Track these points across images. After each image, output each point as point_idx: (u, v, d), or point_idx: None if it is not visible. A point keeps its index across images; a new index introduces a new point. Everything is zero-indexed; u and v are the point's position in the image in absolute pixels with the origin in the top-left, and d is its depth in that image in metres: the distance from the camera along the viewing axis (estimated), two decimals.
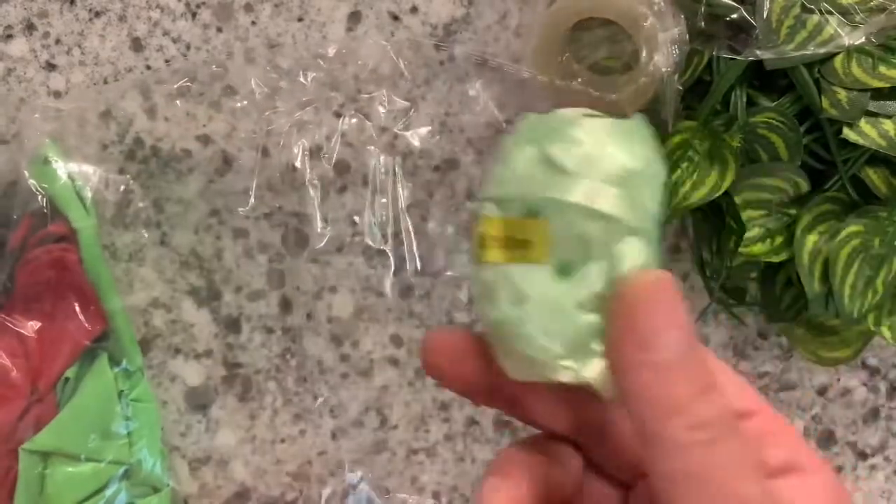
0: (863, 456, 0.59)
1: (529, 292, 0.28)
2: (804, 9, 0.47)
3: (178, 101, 0.50)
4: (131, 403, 0.47)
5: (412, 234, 0.51)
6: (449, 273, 0.52)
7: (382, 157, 0.51)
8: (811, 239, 0.48)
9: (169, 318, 0.51)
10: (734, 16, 0.47)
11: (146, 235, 0.50)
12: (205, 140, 0.50)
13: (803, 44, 0.47)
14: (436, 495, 0.54)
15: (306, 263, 0.51)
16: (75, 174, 0.47)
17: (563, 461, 0.32)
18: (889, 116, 0.47)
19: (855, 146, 0.47)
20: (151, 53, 0.50)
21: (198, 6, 0.50)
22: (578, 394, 0.31)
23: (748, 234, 0.48)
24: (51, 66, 0.49)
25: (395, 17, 0.51)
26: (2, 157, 0.47)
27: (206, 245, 0.51)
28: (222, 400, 0.52)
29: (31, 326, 0.45)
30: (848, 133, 0.47)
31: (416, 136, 0.52)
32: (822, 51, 0.47)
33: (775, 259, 0.48)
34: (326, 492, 0.52)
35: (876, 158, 0.48)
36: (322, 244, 0.51)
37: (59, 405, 0.45)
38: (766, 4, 0.47)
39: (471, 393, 0.31)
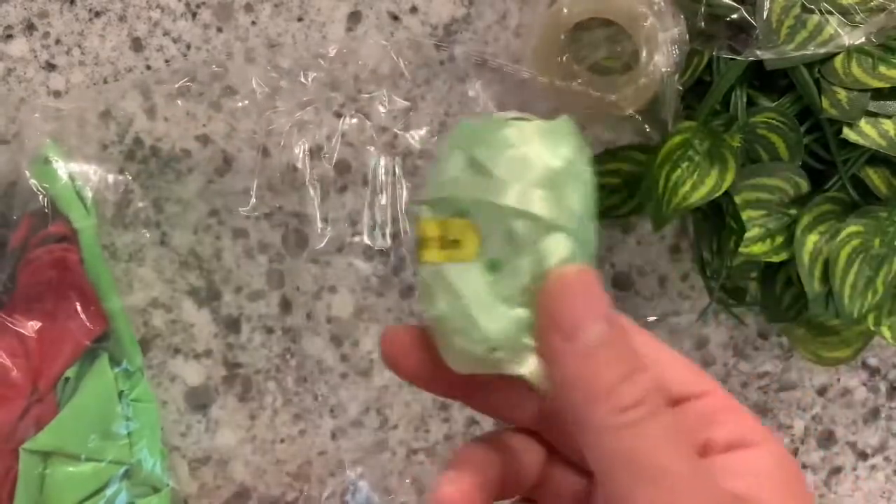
0: (863, 456, 0.59)
1: (462, 289, 0.29)
2: (804, 9, 0.47)
3: (177, 101, 0.50)
4: (131, 403, 0.47)
5: (412, 234, 0.51)
6: None
7: (382, 158, 0.51)
8: (811, 239, 0.48)
9: (169, 318, 0.51)
10: (734, 16, 0.47)
11: (146, 235, 0.50)
12: (204, 140, 0.50)
13: (803, 44, 0.47)
14: None
15: (306, 263, 0.51)
16: (75, 174, 0.47)
17: (522, 452, 0.34)
18: (889, 116, 0.47)
19: (855, 146, 0.47)
20: (151, 53, 0.50)
21: (198, 6, 0.50)
22: (525, 384, 0.32)
23: (748, 234, 0.48)
24: (51, 66, 0.49)
25: (395, 17, 0.51)
26: (2, 158, 0.47)
27: (206, 245, 0.51)
28: (222, 400, 0.52)
29: (31, 326, 0.45)
30: (848, 133, 0.47)
31: (416, 136, 0.52)
32: (822, 51, 0.47)
33: (775, 259, 0.48)
34: (326, 492, 0.52)
35: (876, 158, 0.48)
36: (322, 244, 0.51)
37: (60, 405, 0.45)
38: (766, 4, 0.47)
39: (424, 384, 0.33)
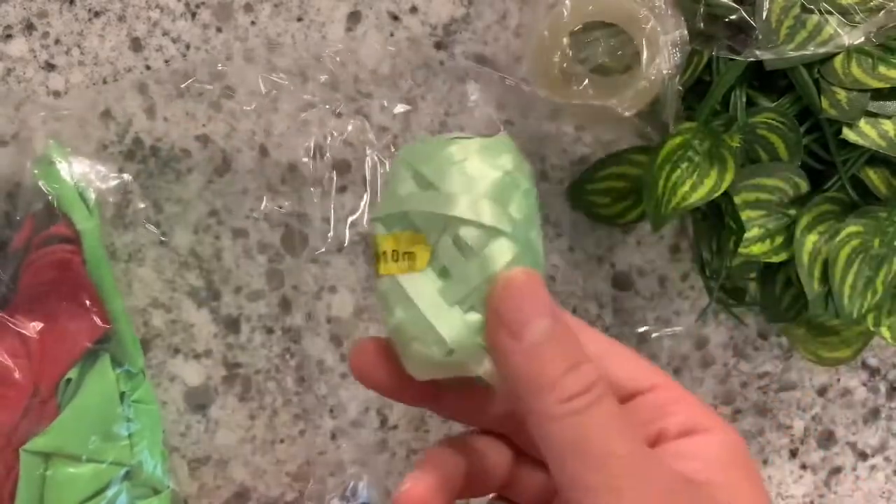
0: (863, 456, 0.59)
1: (416, 298, 0.31)
2: (804, 9, 0.47)
3: (177, 101, 0.50)
4: (133, 405, 0.47)
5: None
6: None
7: (382, 158, 0.51)
8: (811, 239, 0.48)
9: (168, 318, 0.51)
10: (734, 16, 0.47)
11: (146, 235, 0.50)
12: (204, 140, 0.50)
13: (803, 44, 0.47)
14: None
15: (306, 263, 0.51)
16: (76, 174, 0.47)
17: (488, 453, 0.36)
18: (889, 117, 0.48)
19: (855, 146, 0.47)
20: (151, 53, 0.50)
21: (197, 6, 0.50)
22: (490, 389, 0.35)
23: (748, 235, 0.48)
24: (50, 66, 0.49)
25: (395, 17, 0.51)
26: (6, 159, 0.47)
27: (206, 245, 0.51)
28: (222, 400, 0.52)
29: (33, 327, 0.45)
30: (847, 133, 0.47)
31: (416, 137, 0.52)
32: (821, 51, 0.47)
33: (775, 259, 0.49)
34: (326, 492, 0.52)
35: (876, 159, 0.48)
36: (322, 244, 0.51)
37: (61, 406, 0.45)
38: (766, 5, 0.47)
39: (392, 393, 0.35)
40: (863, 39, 0.47)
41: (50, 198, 0.45)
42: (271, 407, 0.52)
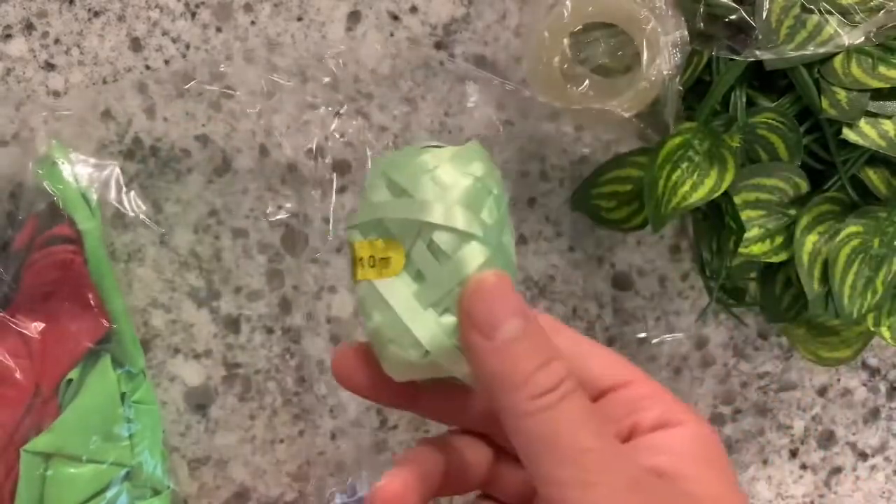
0: (863, 456, 0.59)
1: (392, 301, 0.32)
2: (804, 9, 0.47)
3: (177, 101, 0.50)
4: (133, 405, 0.47)
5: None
6: None
7: None
8: (811, 239, 0.48)
9: (168, 318, 0.51)
10: (733, 16, 0.47)
11: (146, 235, 0.50)
12: (204, 140, 0.50)
13: (803, 44, 0.47)
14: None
15: (306, 263, 0.51)
16: (77, 175, 0.47)
17: (467, 452, 0.37)
18: (889, 117, 0.48)
19: (855, 146, 0.47)
20: (150, 53, 0.50)
21: (197, 6, 0.50)
22: (467, 389, 0.36)
23: (748, 235, 0.48)
24: (50, 66, 0.49)
25: (395, 17, 0.51)
26: (9, 158, 0.47)
27: (206, 245, 0.51)
28: (222, 400, 0.52)
29: (34, 327, 0.45)
30: (847, 133, 0.47)
31: (416, 137, 0.52)
32: (821, 51, 0.47)
33: (775, 259, 0.49)
34: (326, 492, 0.52)
35: (875, 159, 0.48)
36: (322, 244, 0.51)
37: (62, 406, 0.45)
38: (766, 5, 0.47)
39: (373, 396, 0.36)
40: (863, 39, 0.47)
41: (54, 198, 0.45)
42: (271, 407, 0.52)
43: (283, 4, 0.50)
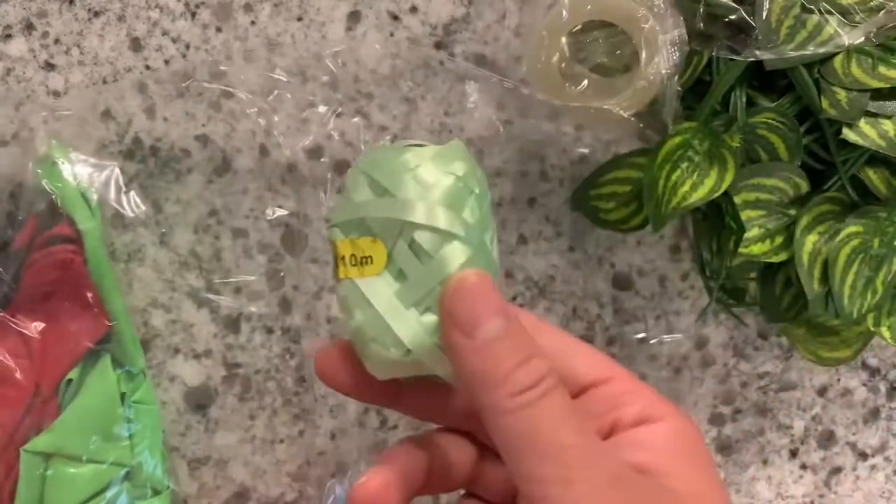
0: (863, 456, 0.59)
1: (374, 300, 0.33)
2: (804, 9, 0.47)
3: (177, 101, 0.50)
4: (133, 405, 0.47)
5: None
6: None
7: None
8: (811, 239, 0.48)
9: (168, 318, 0.51)
10: (733, 16, 0.47)
11: (146, 235, 0.50)
12: (204, 140, 0.50)
13: (803, 44, 0.47)
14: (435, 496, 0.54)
15: (306, 263, 0.51)
16: (77, 175, 0.47)
17: (451, 450, 0.37)
18: (889, 117, 0.48)
19: (855, 146, 0.47)
20: (150, 53, 0.50)
21: (197, 6, 0.50)
22: (450, 387, 0.36)
23: (748, 235, 0.48)
24: (50, 66, 0.49)
25: (395, 17, 0.51)
26: (9, 158, 0.47)
27: (206, 245, 0.51)
28: (222, 400, 0.52)
29: (34, 327, 0.45)
30: (847, 133, 0.47)
31: (416, 137, 0.52)
32: (821, 51, 0.47)
33: (775, 259, 0.49)
34: (326, 492, 0.52)
35: (875, 159, 0.48)
36: (322, 244, 0.51)
37: (62, 406, 0.45)
38: (766, 5, 0.47)
39: (356, 394, 0.36)
40: (863, 39, 0.47)
41: (53, 198, 0.45)
42: (271, 407, 0.52)
43: (283, 4, 0.50)
